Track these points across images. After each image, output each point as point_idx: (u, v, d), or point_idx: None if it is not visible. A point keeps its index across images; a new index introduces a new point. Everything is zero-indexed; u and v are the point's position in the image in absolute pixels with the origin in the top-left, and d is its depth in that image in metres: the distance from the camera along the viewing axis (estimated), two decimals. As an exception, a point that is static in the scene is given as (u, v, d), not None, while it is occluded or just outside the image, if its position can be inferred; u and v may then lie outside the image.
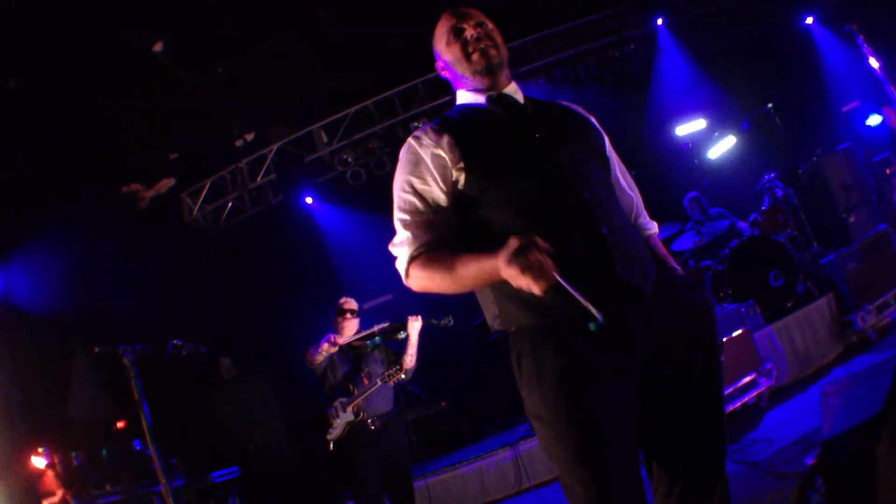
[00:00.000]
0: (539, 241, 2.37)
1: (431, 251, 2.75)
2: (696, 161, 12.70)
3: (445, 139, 2.81)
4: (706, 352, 2.78)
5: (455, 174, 2.79)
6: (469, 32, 2.96)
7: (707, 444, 2.80)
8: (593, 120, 3.12)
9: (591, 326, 2.47)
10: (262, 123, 12.71)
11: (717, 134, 12.53)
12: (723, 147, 12.56)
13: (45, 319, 10.06)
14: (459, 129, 2.86)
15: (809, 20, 13.39)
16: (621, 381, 2.61)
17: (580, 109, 3.15)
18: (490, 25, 3.01)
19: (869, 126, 11.75)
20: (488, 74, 2.94)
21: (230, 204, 13.39)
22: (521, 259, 2.36)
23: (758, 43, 13.50)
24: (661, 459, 2.83)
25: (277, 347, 12.22)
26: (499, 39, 3.00)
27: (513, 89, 3.00)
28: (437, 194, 2.79)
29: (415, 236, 2.77)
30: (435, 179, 2.79)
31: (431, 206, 2.79)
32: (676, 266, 3.12)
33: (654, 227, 3.28)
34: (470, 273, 2.61)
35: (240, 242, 13.63)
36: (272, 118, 12.78)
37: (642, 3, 13.10)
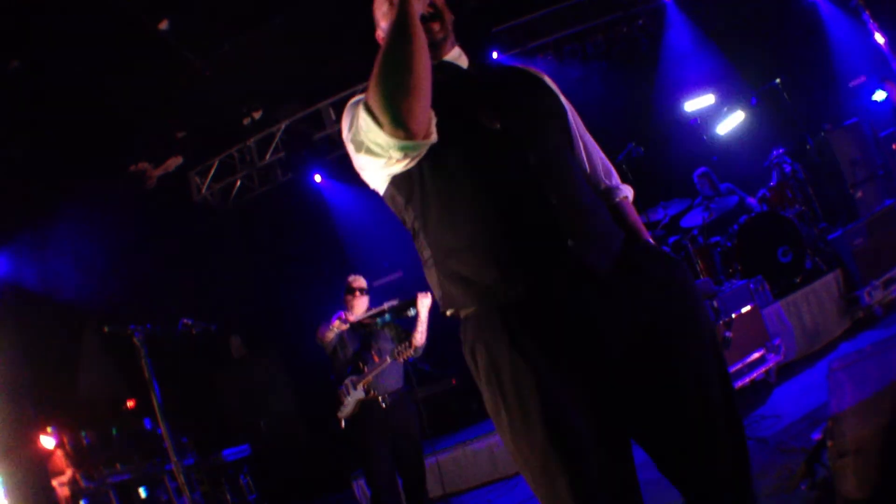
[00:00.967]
0: None
1: None
2: (704, 137, 12.65)
3: None
4: (682, 329, 2.46)
5: None
6: None
7: (710, 435, 2.41)
8: (548, 82, 2.87)
9: None
10: (270, 101, 12.68)
11: (725, 109, 12.48)
12: (731, 122, 12.51)
13: (53, 299, 10.13)
14: None
15: (816, -5, 13.31)
16: (586, 374, 2.35)
17: (536, 72, 2.89)
18: None
19: (875, 101, 11.70)
20: (430, 49, 2.59)
21: (239, 182, 13.41)
22: None
23: (765, 17, 13.41)
24: (665, 460, 2.48)
25: (288, 326, 12.28)
26: (444, 13, 2.71)
27: (455, 55, 2.77)
28: None
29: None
30: None
31: None
32: (648, 237, 2.91)
33: (625, 191, 2.97)
34: (395, 26, 2.35)
35: (249, 221, 13.66)
36: (280, 96, 12.75)
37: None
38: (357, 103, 2.46)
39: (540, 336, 2.37)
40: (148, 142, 11.22)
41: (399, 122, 2.31)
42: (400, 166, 2.48)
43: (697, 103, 12.90)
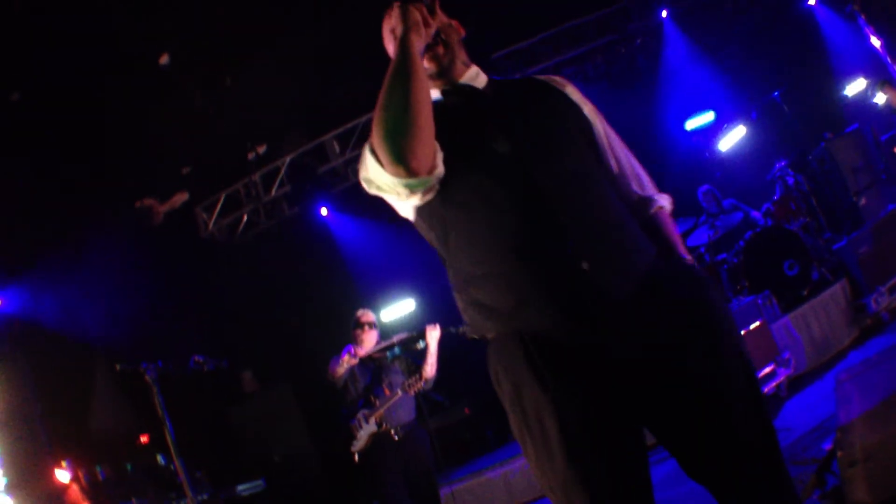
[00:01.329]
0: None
1: None
2: (707, 154, 12.71)
3: None
4: (708, 354, 2.36)
5: None
6: None
7: (745, 465, 2.33)
8: (571, 92, 2.79)
9: None
10: (274, 135, 12.75)
11: (726, 125, 12.53)
12: (733, 138, 12.57)
13: (64, 335, 10.18)
14: None
15: (812, 1, 13.34)
16: (602, 400, 2.33)
17: (558, 82, 2.82)
18: (435, 18, 2.67)
19: (876, 105, 11.72)
20: (439, 77, 2.71)
21: (245, 217, 13.45)
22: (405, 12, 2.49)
23: (762, 29, 13.48)
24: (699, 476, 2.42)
25: (299, 359, 12.29)
26: (448, 35, 2.72)
27: (471, 75, 2.74)
28: None
29: None
30: None
31: None
32: (682, 251, 2.78)
33: (660, 201, 2.87)
34: (395, 64, 2.40)
35: (257, 255, 13.69)
36: (283, 130, 12.83)
37: (646, -4, 13.13)
38: (366, 144, 2.47)
39: (556, 362, 2.36)
40: (153, 178, 11.28)
41: (399, 161, 2.33)
42: (415, 200, 2.51)
43: (698, 120, 12.97)
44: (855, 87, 12.19)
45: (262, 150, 12.73)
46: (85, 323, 10.23)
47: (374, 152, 2.39)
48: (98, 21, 8.18)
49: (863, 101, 11.76)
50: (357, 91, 12.05)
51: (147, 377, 6.01)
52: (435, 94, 2.72)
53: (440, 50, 2.67)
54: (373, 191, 2.53)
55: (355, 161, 12.68)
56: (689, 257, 2.79)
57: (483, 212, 2.46)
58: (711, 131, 12.76)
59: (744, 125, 12.40)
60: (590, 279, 2.34)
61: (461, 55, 2.75)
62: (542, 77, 2.84)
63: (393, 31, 2.55)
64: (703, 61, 13.51)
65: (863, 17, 7.90)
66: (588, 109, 2.78)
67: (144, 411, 7.20)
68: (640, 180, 2.86)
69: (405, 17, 2.51)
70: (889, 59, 7.86)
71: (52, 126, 9.13)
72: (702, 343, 2.37)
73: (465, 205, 2.49)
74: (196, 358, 6.48)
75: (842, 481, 3.86)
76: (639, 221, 2.67)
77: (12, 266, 9.92)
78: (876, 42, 7.79)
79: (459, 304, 2.63)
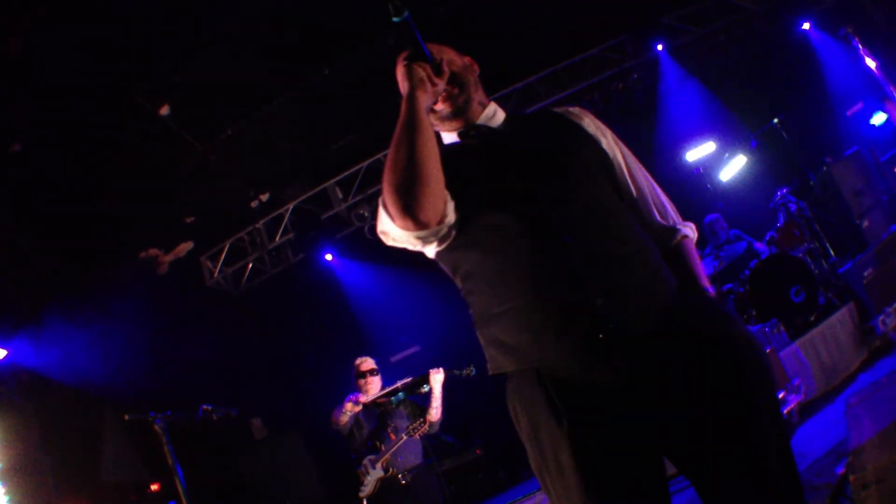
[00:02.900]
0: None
1: None
2: (708, 185, 12.73)
3: None
4: (735, 396, 2.30)
5: None
6: None
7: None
8: (587, 125, 2.81)
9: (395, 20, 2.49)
10: (276, 183, 12.81)
11: (726, 155, 12.57)
12: (734, 168, 12.60)
13: (72, 386, 10.18)
14: None
15: (806, 26, 13.37)
16: (618, 438, 2.32)
17: (576, 115, 2.85)
18: (448, 63, 2.72)
19: (875, 126, 11.75)
20: (455, 118, 2.76)
21: (250, 265, 13.48)
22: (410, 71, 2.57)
23: (758, 58, 13.52)
24: None
25: (308, 405, 12.26)
26: (464, 76, 2.77)
27: (488, 115, 2.79)
28: None
29: None
30: None
31: None
32: (705, 284, 2.77)
33: (684, 230, 2.84)
34: (401, 122, 2.47)
35: (263, 303, 13.71)
36: (286, 177, 12.88)
37: (641, 31, 13.17)
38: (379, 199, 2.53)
39: (572, 398, 2.36)
40: (157, 228, 11.33)
41: (408, 215, 2.38)
42: (431, 248, 2.59)
43: (698, 152, 13.01)
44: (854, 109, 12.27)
45: (265, 197, 12.78)
46: (93, 373, 10.23)
47: (384, 207, 2.44)
48: (100, 71, 8.26)
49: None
50: (357, 138, 12.13)
51: (156, 426, 6.01)
52: (451, 136, 2.83)
53: (455, 91, 2.73)
54: (389, 242, 2.58)
55: (358, 206, 12.75)
56: (711, 289, 2.78)
57: (500, 251, 2.49)
58: (712, 162, 12.79)
59: (744, 154, 12.43)
60: (604, 316, 2.34)
61: (477, 95, 2.81)
62: (558, 110, 2.89)
63: (400, 87, 2.64)
64: (700, 92, 13.56)
65: (856, 39, 7.94)
66: (607, 141, 2.79)
67: (155, 460, 7.21)
68: (663, 209, 2.85)
69: (410, 76, 2.57)
70: (885, 80, 7.89)
71: (55, 177, 9.19)
72: (727, 380, 2.32)
73: (483, 245, 2.52)
74: (204, 407, 6.49)
75: (855, 504, 3.85)
76: (661, 252, 2.66)
77: (20, 317, 9.95)
78: (871, 63, 7.82)
79: (481, 341, 2.64)
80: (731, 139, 12.77)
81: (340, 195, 12.93)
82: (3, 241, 9.36)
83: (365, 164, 12.76)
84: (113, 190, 9.75)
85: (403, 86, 2.61)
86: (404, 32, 2.63)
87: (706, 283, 2.77)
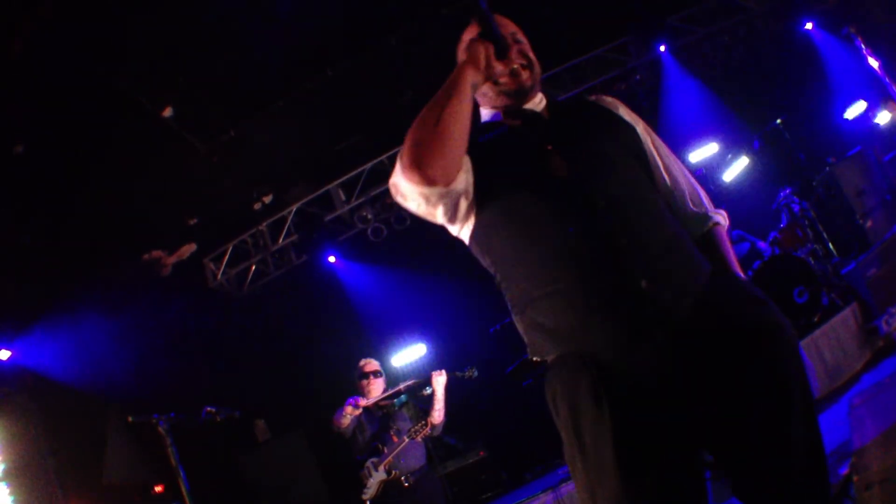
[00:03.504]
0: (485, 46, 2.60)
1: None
2: (711, 186, 12.71)
3: None
4: (770, 381, 2.34)
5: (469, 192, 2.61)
6: None
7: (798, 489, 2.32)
8: (624, 112, 2.84)
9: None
10: (280, 185, 12.81)
11: (730, 156, 12.56)
12: (737, 168, 12.58)
13: (76, 387, 10.19)
14: (472, 147, 2.60)
15: (809, 25, 13.35)
16: (662, 423, 2.33)
17: (611, 103, 2.87)
18: (524, 40, 2.79)
19: (878, 126, 11.73)
20: (515, 97, 2.77)
21: (254, 267, 13.47)
22: (471, 46, 2.61)
23: (760, 58, 13.51)
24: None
25: (311, 407, 12.27)
26: (532, 56, 2.78)
27: (536, 101, 2.82)
28: None
29: None
30: None
31: None
32: (737, 269, 2.77)
33: (715, 217, 2.86)
34: (443, 87, 2.50)
35: (266, 304, 13.72)
36: (289, 179, 12.89)
37: (644, 32, 13.15)
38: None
39: (616, 384, 2.36)
40: (160, 229, 11.33)
41: (415, 167, 2.40)
42: (446, 220, 2.62)
43: (701, 153, 12.99)
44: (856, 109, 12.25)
45: (268, 199, 12.77)
46: (96, 375, 10.25)
47: (400, 157, 2.45)
48: (102, 72, 8.27)
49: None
50: (360, 140, 12.13)
51: (160, 428, 6.02)
52: (493, 113, 2.86)
53: (525, 73, 2.75)
54: (399, 199, 2.57)
55: (361, 208, 12.73)
56: (742, 275, 2.78)
57: (541, 234, 2.51)
58: (715, 163, 12.78)
59: (747, 155, 12.42)
60: (649, 297, 2.37)
61: (538, 84, 2.83)
62: (593, 98, 2.91)
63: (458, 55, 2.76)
64: (703, 93, 13.55)
65: (859, 39, 7.94)
66: (641, 128, 2.84)
67: (158, 462, 7.20)
68: (697, 197, 2.88)
69: (470, 51, 2.62)
70: (888, 80, 7.89)
71: (58, 178, 9.20)
72: (764, 363, 2.35)
73: (524, 226, 2.54)
74: (208, 408, 6.50)
75: (859, 504, 3.85)
76: (693, 238, 2.70)
77: (23, 319, 9.97)
78: (874, 63, 7.82)
79: (519, 326, 2.65)
80: (734, 140, 12.76)
81: (343, 197, 12.93)
82: (7, 243, 9.37)
83: (368, 165, 12.75)
84: (116, 191, 9.75)
85: (460, 56, 2.76)
86: (475, 10, 2.67)
87: (738, 268, 2.78)
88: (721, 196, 12.54)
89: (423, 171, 2.40)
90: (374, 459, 6.96)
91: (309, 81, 10.46)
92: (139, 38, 8.16)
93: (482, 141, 2.72)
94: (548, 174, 2.56)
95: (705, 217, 2.85)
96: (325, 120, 11.39)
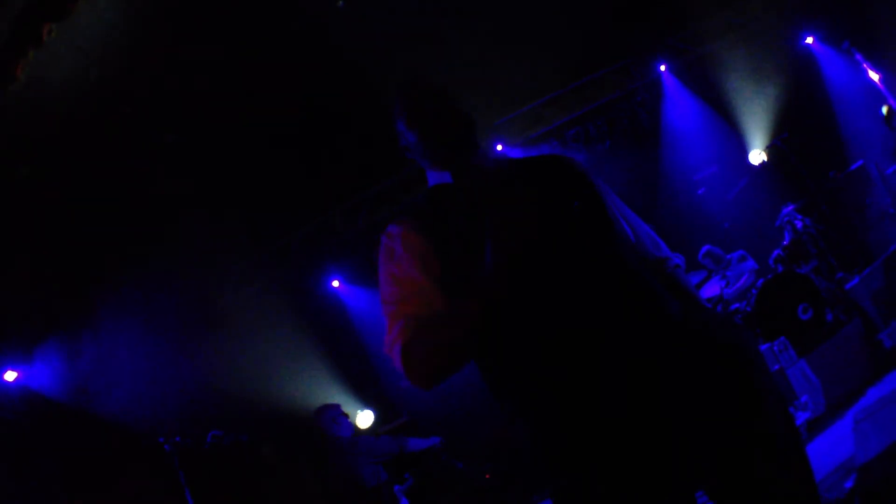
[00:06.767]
0: None
1: (424, 324, 2.45)
2: (714, 204, 12.76)
3: (413, 225, 2.59)
4: (744, 397, 2.35)
5: (433, 260, 2.51)
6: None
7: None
8: (576, 166, 2.78)
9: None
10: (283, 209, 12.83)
11: (731, 174, 12.61)
12: (739, 186, 12.63)
13: (83, 411, 10.20)
14: (425, 214, 2.62)
15: (809, 40, 13.42)
16: (650, 455, 2.28)
17: (560, 159, 2.80)
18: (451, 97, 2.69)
19: (881, 139, 11.73)
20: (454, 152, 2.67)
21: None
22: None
23: (761, 74, 13.56)
24: None
25: (317, 432, 12.26)
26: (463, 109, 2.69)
27: (481, 157, 2.71)
28: (420, 278, 2.49)
29: (406, 324, 2.47)
30: (414, 264, 2.51)
31: (416, 290, 2.49)
32: (704, 303, 2.83)
33: (675, 260, 2.89)
34: (460, 317, 2.40)
35: (270, 328, 13.72)
36: (292, 203, 12.90)
37: (644, 52, 13.22)
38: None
39: (612, 412, 2.32)
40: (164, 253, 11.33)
41: (420, 386, 2.46)
42: None
43: (703, 172, 13.04)
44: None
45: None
46: (103, 396, 10.26)
47: (401, 362, 2.45)
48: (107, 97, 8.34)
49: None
50: (364, 163, 12.15)
51: (166, 452, 6.03)
52: (446, 176, 2.69)
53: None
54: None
55: (364, 234, 12.74)
56: (710, 307, 2.83)
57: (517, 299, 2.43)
58: (717, 181, 12.82)
59: (748, 173, 12.46)
60: (626, 338, 2.35)
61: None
62: (549, 157, 2.83)
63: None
64: (704, 111, 13.59)
65: (859, 52, 7.99)
66: (596, 182, 2.79)
67: (165, 486, 7.22)
68: (655, 241, 2.90)
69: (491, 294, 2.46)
70: (888, 92, 7.94)
71: (63, 200, 9.23)
72: (743, 389, 2.36)
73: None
74: (213, 433, 6.51)
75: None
76: (659, 280, 2.68)
77: (30, 342, 9.98)
78: (874, 76, 7.87)
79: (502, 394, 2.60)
80: (735, 157, 12.80)
81: (346, 221, 12.95)
82: (11, 264, 9.39)
83: (372, 190, 12.78)
84: (117, 211, 9.77)
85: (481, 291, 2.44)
86: None
87: (704, 302, 2.82)
88: (724, 214, 12.58)
89: (427, 387, 2.46)
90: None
91: (311, 106, 10.50)
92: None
93: (435, 209, 2.65)
94: (512, 238, 2.42)
95: (666, 259, 2.86)
96: (323, 151, 11.42)
